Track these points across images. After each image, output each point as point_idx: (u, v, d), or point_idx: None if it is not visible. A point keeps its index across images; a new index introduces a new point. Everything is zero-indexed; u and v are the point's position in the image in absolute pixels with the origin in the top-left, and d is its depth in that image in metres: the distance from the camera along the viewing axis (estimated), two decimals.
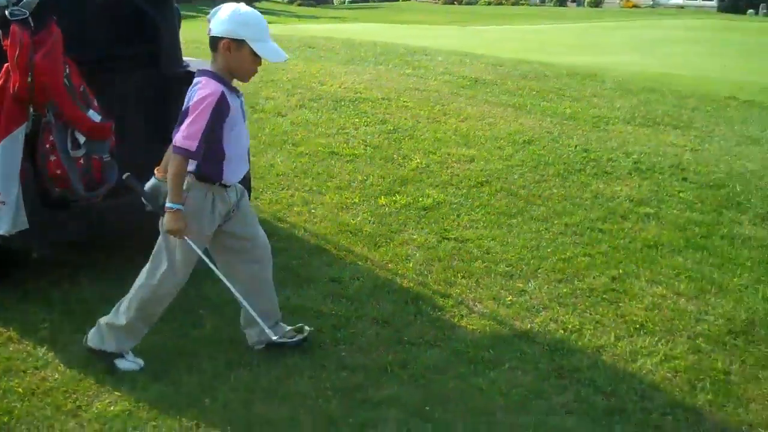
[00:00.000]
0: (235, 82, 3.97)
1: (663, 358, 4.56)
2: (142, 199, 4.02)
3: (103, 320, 4.12)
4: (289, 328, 4.42)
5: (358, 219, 6.11)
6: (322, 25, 30.25)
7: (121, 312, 4.06)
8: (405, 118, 8.28)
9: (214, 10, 3.86)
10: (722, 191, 7.03)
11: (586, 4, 56.41)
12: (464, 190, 6.71)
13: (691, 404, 4.16)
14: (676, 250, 5.93)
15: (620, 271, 5.55)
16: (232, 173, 4.01)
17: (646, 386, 4.28)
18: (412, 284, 5.25)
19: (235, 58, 3.82)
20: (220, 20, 3.79)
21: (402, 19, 35.93)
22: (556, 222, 6.24)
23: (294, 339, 4.39)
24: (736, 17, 42.21)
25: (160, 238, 4.01)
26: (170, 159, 3.83)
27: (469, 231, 6.03)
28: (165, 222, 3.85)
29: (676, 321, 4.97)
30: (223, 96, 3.78)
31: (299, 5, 64.32)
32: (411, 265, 5.49)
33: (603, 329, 4.82)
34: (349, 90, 9.22)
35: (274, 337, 4.19)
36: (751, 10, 49.69)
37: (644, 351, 4.62)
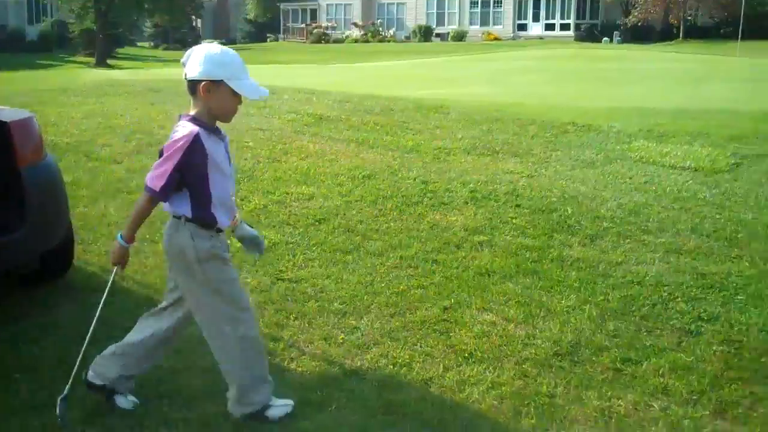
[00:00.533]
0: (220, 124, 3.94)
1: (490, 385, 4.61)
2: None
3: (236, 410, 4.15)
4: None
5: None
6: None
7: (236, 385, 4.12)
8: (245, 159, 8.20)
9: (187, 53, 3.83)
10: (554, 215, 7.24)
11: (450, 38, 57.89)
12: (301, 229, 6.68)
13: (515, 430, 4.21)
14: (508, 276, 6.04)
15: (452, 300, 5.61)
16: (224, 216, 3.95)
17: (472, 415, 4.31)
18: None
19: (215, 99, 3.76)
20: (196, 63, 3.74)
21: (268, 59, 35.96)
22: (391, 255, 6.27)
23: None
24: (591, 45, 44.15)
25: (200, 297, 3.99)
26: (143, 197, 3.80)
27: (303, 270, 5.99)
28: (113, 252, 3.92)
29: (505, 347, 5.04)
30: (197, 138, 3.70)
31: (165, 49, 63.64)
32: None
33: (432, 361, 4.84)
34: None
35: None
36: (606, 38, 52.10)
37: (472, 380, 4.65)
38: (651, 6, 50.97)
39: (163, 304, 4.21)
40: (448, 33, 59.08)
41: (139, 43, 69.41)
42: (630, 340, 5.19)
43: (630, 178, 8.76)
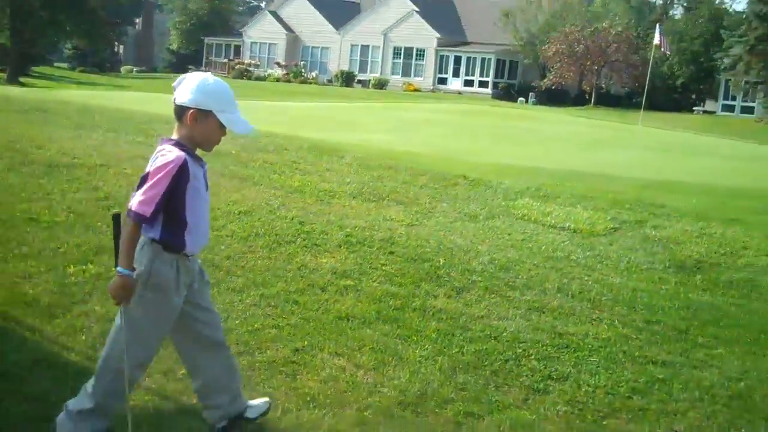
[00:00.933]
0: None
1: (326, 431, 4.53)
2: None
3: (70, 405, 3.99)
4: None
5: (39, 289, 5.74)
6: (98, 91, 29.46)
7: (88, 395, 3.95)
8: (120, 186, 8.00)
9: (179, 78, 3.82)
10: (425, 265, 7.25)
11: (371, 85, 58.40)
12: None
13: None
14: (367, 321, 6.00)
15: (305, 343, 5.53)
16: (195, 243, 3.91)
17: None
18: (79, 358, 4.95)
19: (201, 128, 3.77)
20: (187, 90, 3.75)
21: None
22: (252, 293, 6.17)
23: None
24: (504, 104, 45.14)
25: (118, 316, 3.86)
26: (123, 223, 3.70)
27: None
28: (112, 287, 3.72)
29: (350, 393, 4.98)
30: (185, 164, 3.69)
31: (81, 71, 62.59)
32: (84, 338, 5.19)
33: (273, 403, 4.73)
34: (66, 155, 8.82)
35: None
36: (521, 99, 53.35)
37: (308, 425, 4.57)
38: (565, 71, 52.44)
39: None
40: (370, 80, 59.59)
41: (56, 64, 68.14)
42: (477, 394, 5.19)
43: (509, 234, 8.87)
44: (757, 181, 15.44)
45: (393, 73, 61.29)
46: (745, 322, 7.17)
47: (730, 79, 50.24)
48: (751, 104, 51.09)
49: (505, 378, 5.47)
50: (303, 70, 61.97)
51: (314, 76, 61.89)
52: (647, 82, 38.95)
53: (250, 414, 4.29)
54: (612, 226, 9.78)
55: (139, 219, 3.67)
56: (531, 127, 24.02)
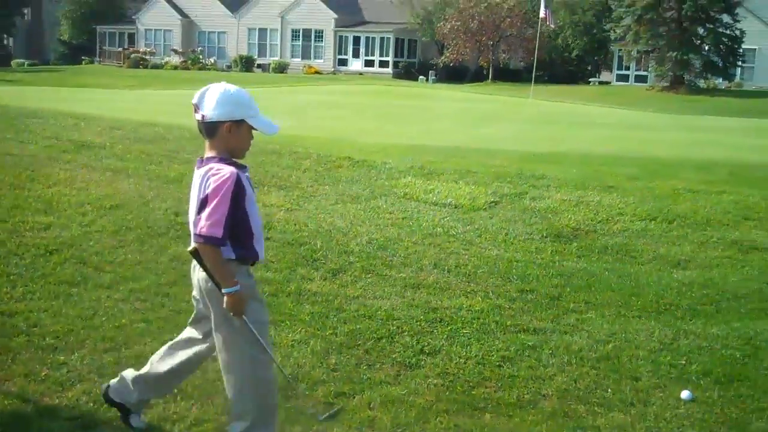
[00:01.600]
0: None
1: (193, 422, 4.51)
2: None
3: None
4: None
5: None
6: None
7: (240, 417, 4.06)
8: None
9: (199, 94, 3.80)
10: (302, 249, 7.26)
11: (271, 69, 57.86)
12: (28, 260, 6.36)
13: None
14: None
15: (175, 335, 5.46)
16: (262, 249, 4.03)
17: None
18: None
19: (236, 138, 3.82)
20: (215, 104, 3.75)
21: (78, 83, 34.74)
22: (121, 288, 6.08)
23: None
24: (403, 83, 45.35)
25: (223, 332, 3.97)
26: (200, 250, 3.77)
27: (21, 304, 5.69)
28: (231, 306, 3.83)
29: (218, 383, 4.93)
30: (238, 177, 3.76)
31: None
32: None
33: None
34: None
35: None
36: (422, 77, 53.66)
37: (175, 417, 4.54)
38: (462, 48, 52.97)
39: (190, 335, 4.31)
40: (270, 64, 59.05)
41: None
42: (349, 373, 5.24)
43: (390, 214, 8.95)
44: (637, 147, 15.95)
45: (293, 56, 60.89)
46: (616, 286, 7.40)
47: (622, 50, 51.55)
48: (644, 73, 52.55)
49: (378, 355, 5.54)
50: (201, 57, 60.95)
51: (213, 62, 61.00)
52: (536, 56, 39.62)
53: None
54: (492, 200, 9.95)
55: (214, 242, 3.73)
56: (424, 105, 24.24)
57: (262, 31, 62.84)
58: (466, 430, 4.65)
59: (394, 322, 6.06)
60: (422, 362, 5.50)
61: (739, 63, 50.97)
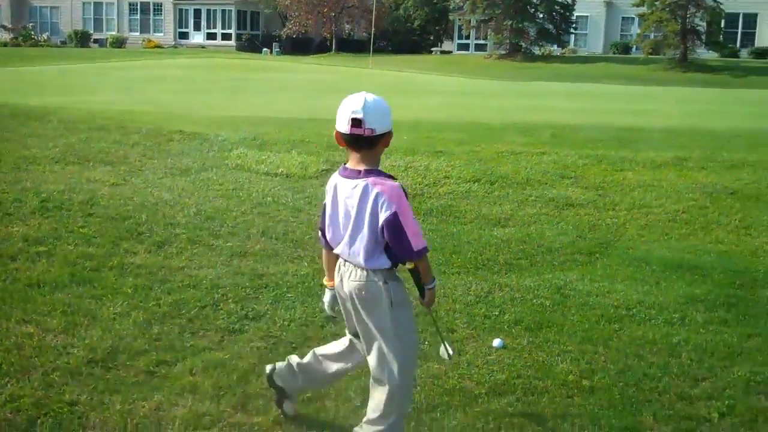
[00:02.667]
0: None
1: (8, 398, 4.47)
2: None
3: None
4: None
5: None
6: None
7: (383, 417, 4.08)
8: None
9: (359, 107, 3.75)
10: (126, 223, 7.22)
11: (109, 44, 55.95)
12: None
13: None
14: (59, 286, 5.92)
15: None
16: None
17: None
18: None
19: (385, 147, 3.94)
20: (380, 116, 3.79)
21: None
22: None
23: None
24: (245, 56, 44.83)
25: (390, 320, 4.00)
26: (416, 262, 3.96)
27: None
28: (430, 300, 4.15)
29: (36, 358, 4.92)
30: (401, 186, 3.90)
31: None
32: None
33: None
34: None
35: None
36: (266, 49, 53.17)
37: None
38: (304, 19, 52.87)
39: (346, 347, 4.42)
40: (107, 39, 57.11)
41: None
42: (171, 342, 5.29)
43: (220, 185, 8.98)
44: (467, 114, 16.48)
45: (131, 30, 59.26)
46: (439, 245, 7.71)
47: (460, 19, 52.75)
48: (483, 42, 53.98)
49: (202, 323, 5.61)
50: (33, 33, 58.22)
51: (46, 38, 58.42)
52: (373, 26, 40.06)
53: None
54: (324, 168, 10.12)
55: (426, 251, 3.95)
56: (266, 77, 24.14)
57: (98, 5, 60.81)
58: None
59: (220, 290, 6.15)
60: (246, 327, 5.61)
61: (572, 30, 53.14)
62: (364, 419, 4.13)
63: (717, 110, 20.50)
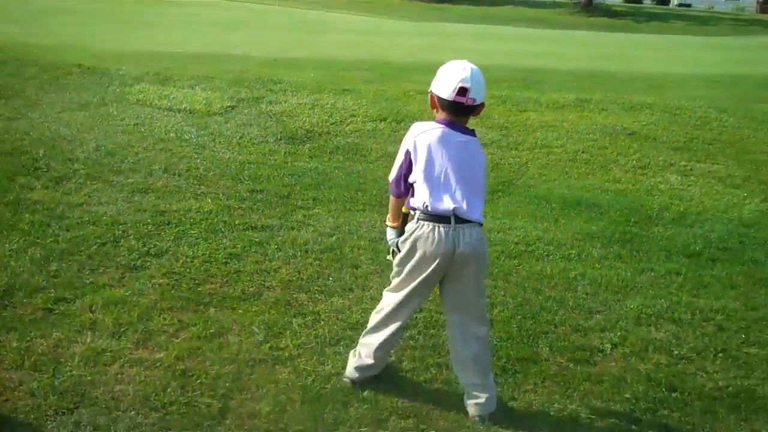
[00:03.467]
0: None
1: None
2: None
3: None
4: None
5: None
6: None
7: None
8: None
9: (467, 76, 3.79)
10: (22, 158, 7.00)
11: None
12: None
13: None
14: None
15: None
16: None
17: None
18: None
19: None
20: (482, 88, 3.84)
21: None
22: None
23: None
24: None
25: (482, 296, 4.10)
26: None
27: None
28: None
29: None
30: None
31: None
32: None
33: None
34: None
35: None
36: None
37: None
38: None
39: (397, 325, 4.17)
40: None
41: None
42: (70, 279, 5.19)
43: (121, 121, 8.76)
44: (375, 52, 16.40)
45: None
46: (344, 183, 7.72)
47: None
48: None
49: (102, 260, 5.51)
50: None
51: None
52: None
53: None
54: (229, 104, 9.97)
55: None
56: (170, 12, 23.42)
57: None
58: (190, 324, 4.77)
59: (120, 227, 6.03)
60: (148, 264, 5.54)
61: None
62: (482, 381, 4.10)
63: (619, 54, 20.92)
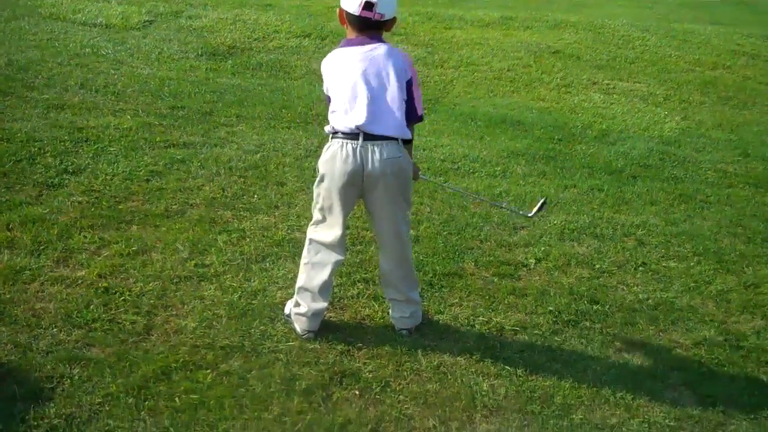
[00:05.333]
0: None
1: None
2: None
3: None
4: None
5: None
6: None
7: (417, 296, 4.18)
8: None
9: None
10: None
11: None
12: None
13: None
14: None
15: None
16: None
17: None
18: None
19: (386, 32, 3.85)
20: (390, 2, 3.71)
21: None
22: None
23: None
24: None
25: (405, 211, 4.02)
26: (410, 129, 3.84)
27: None
28: (416, 170, 4.08)
29: None
30: None
31: None
32: None
33: None
34: None
35: None
36: None
37: None
38: None
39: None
40: None
41: None
42: None
43: (33, 35, 8.40)
44: None
45: None
46: (268, 100, 7.60)
47: None
48: None
49: (18, 177, 5.32)
50: None
51: None
52: None
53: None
54: (147, 19, 9.66)
55: (421, 121, 4.01)
56: None
57: None
58: (112, 242, 4.67)
59: (36, 144, 5.83)
60: (66, 181, 5.38)
61: None
62: (405, 296, 4.06)
63: None
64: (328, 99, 3.87)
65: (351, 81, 3.74)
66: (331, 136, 3.83)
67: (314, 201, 3.97)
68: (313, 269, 3.95)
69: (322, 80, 3.89)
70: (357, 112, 3.70)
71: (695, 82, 10.08)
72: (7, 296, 4.00)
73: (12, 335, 3.68)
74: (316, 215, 3.96)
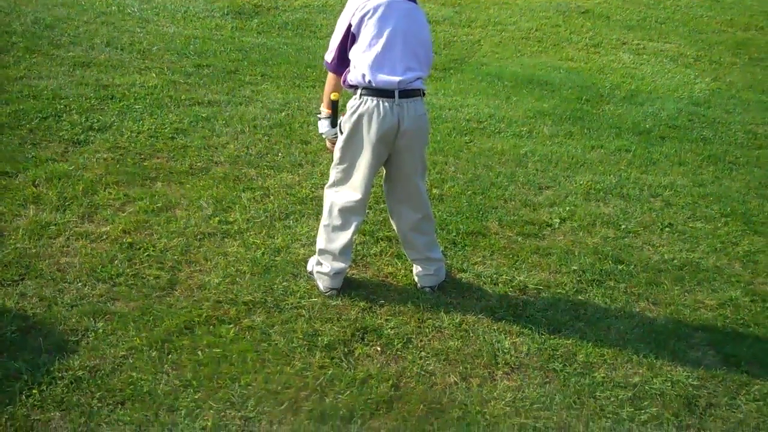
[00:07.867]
0: None
1: None
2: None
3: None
4: None
5: None
6: None
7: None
8: None
9: None
10: None
11: None
12: None
13: None
14: None
15: None
16: None
17: None
18: None
19: None
20: None
21: None
22: None
23: None
24: None
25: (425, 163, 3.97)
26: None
27: None
28: None
29: None
30: None
31: None
32: None
33: None
34: None
35: None
36: None
37: None
38: None
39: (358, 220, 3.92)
40: None
41: None
42: (12, 153, 5.05)
43: None
44: None
45: None
46: (294, 59, 7.56)
47: None
48: None
49: (44, 134, 5.36)
50: None
51: None
52: None
53: None
54: None
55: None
56: None
57: None
58: (136, 198, 4.69)
59: (62, 101, 5.85)
60: (91, 138, 5.40)
61: None
62: (426, 255, 4.06)
63: None
64: (352, 37, 3.66)
65: (391, 37, 3.58)
66: (360, 92, 3.65)
67: (336, 161, 3.83)
68: (334, 232, 3.91)
69: (343, 15, 3.70)
70: (396, 69, 3.59)
71: (727, 43, 9.91)
72: (33, 251, 4.03)
73: (37, 289, 3.71)
74: (337, 175, 3.85)
